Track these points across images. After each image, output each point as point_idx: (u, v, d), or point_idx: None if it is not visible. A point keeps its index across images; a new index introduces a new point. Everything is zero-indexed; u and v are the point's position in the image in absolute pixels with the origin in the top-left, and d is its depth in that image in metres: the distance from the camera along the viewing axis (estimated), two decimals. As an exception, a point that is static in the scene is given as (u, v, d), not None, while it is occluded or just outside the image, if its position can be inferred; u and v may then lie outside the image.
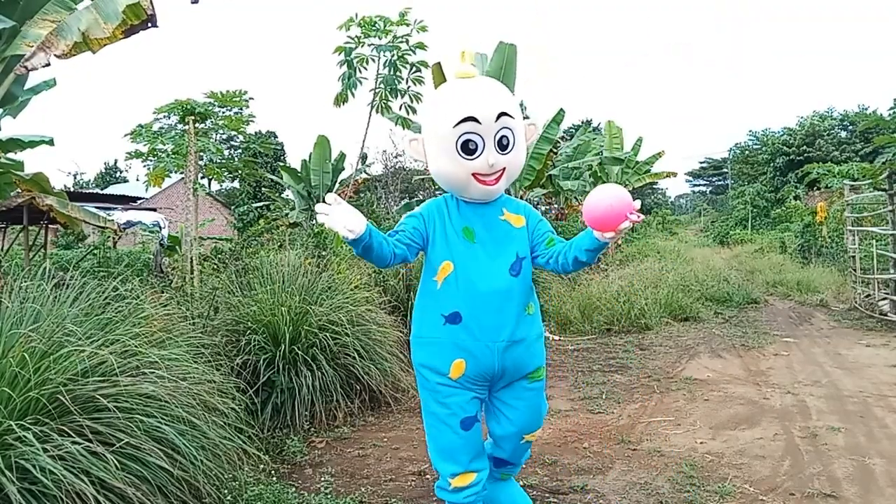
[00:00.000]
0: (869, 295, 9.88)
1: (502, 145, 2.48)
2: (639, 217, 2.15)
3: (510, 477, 2.88)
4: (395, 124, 7.93)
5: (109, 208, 14.94)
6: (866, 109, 36.43)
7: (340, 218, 2.11)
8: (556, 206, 15.75)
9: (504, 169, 2.49)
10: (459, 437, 2.48)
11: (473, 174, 2.46)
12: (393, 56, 6.99)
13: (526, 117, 2.66)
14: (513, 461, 2.77)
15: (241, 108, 7.08)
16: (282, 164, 20.86)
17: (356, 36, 6.91)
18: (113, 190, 34.14)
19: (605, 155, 14.97)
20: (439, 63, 7.87)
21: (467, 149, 2.43)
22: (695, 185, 69.22)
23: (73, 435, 2.38)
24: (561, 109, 11.24)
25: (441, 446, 2.54)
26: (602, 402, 4.89)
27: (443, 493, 2.59)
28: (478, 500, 2.56)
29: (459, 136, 2.42)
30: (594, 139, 15.93)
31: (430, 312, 2.53)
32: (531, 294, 2.58)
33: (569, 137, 14.26)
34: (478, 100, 2.48)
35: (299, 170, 16.51)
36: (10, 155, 5.85)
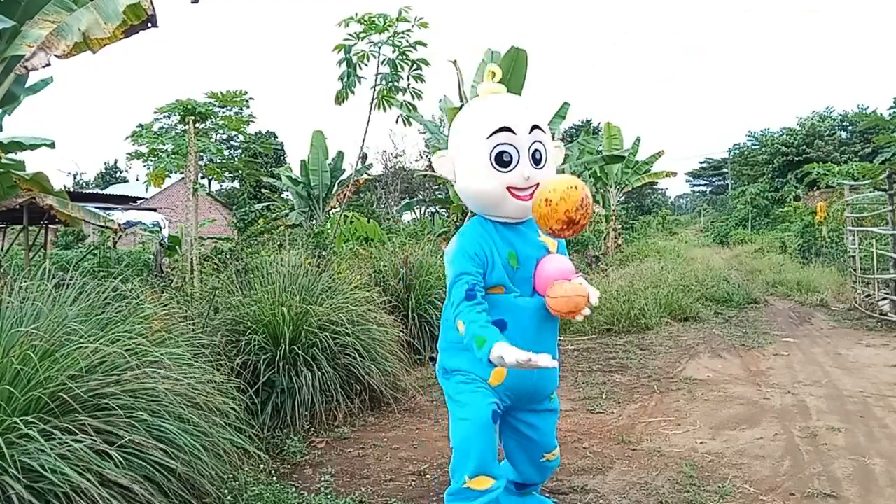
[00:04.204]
0: (869, 295, 9.89)
1: (536, 159, 2.43)
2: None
3: (531, 493, 2.85)
4: (398, 119, 7.83)
5: (109, 208, 14.95)
6: (866, 109, 36.41)
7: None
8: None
9: (538, 184, 2.42)
10: (488, 431, 2.39)
11: (508, 188, 2.40)
12: (394, 53, 6.97)
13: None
14: (535, 480, 2.77)
15: (242, 108, 7.07)
16: (282, 166, 20.87)
17: (356, 33, 6.89)
18: (113, 190, 34.20)
19: (604, 153, 14.94)
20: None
21: (501, 160, 2.38)
22: (695, 185, 69.45)
23: (76, 432, 2.38)
24: (565, 103, 10.99)
25: (469, 441, 2.41)
26: (602, 402, 4.89)
27: (455, 499, 2.47)
28: None
29: (494, 147, 2.38)
30: (592, 140, 15.91)
31: None
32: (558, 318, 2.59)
33: (569, 138, 14.27)
34: (512, 111, 2.45)
35: (299, 171, 16.52)
36: (11, 155, 5.86)
